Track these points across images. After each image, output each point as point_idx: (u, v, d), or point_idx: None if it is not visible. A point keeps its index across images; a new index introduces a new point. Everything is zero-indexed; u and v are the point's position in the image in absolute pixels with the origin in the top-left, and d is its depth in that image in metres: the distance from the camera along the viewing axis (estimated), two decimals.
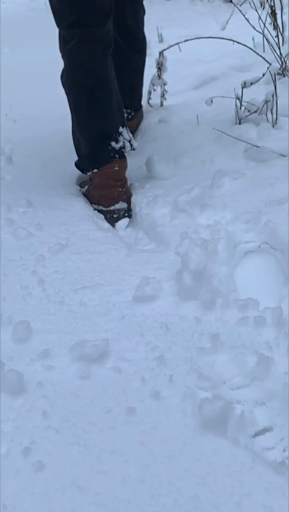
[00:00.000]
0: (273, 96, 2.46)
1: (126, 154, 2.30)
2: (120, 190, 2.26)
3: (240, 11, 3.09)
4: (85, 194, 2.39)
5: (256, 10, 2.91)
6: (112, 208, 2.25)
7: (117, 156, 2.25)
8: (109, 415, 1.39)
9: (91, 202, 2.32)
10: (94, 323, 1.67)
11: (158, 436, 1.33)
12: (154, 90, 3.01)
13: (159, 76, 2.95)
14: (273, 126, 2.45)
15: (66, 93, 2.31)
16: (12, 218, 2.17)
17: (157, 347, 1.56)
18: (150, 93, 3.04)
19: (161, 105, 3.02)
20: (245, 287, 1.74)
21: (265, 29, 2.85)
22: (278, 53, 2.84)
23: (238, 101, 2.55)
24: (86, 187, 2.40)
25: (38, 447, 1.32)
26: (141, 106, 2.89)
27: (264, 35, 2.90)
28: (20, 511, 1.21)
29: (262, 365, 1.42)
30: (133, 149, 2.33)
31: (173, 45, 2.93)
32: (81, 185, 2.46)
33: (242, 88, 2.56)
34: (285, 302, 1.63)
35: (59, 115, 2.64)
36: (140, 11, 2.66)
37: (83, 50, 2.19)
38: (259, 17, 2.83)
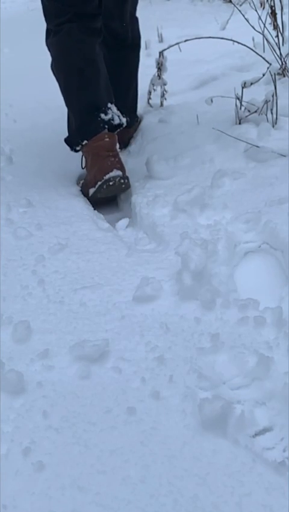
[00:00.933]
0: (273, 96, 2.46)
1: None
2: (113, 159, 2.27)
3: (240, 11, 3.09)
4: (82, 188, 2.38)
5: (256, 10, 2.91)
6: (107, 176, 2.24)
7: (106, 127, 2.28)
8: (109, 415, 1.39)
9: (89, 188, 2.30)
10: (94, 323, 1.67)
11: (158, 436, 1.33)
12: (154, 90, 3.01)
13: (159, 76, 2.94)
14: (273, 126, 2.45)
15: (56, 79, 2.37)
16: (12, 218, 2.17)
17: (157, 347, 1.55)
18: (150, 93, 3.03)
19: (161, 105, 3.02)
20: (245, 287, 1.74)
21: (265, 29, 2.85)
22: (278, 53, 2.84)
23: (238, 101, 2.55)
24: (81, 182, 2.40)
25: (38, 447, 1.32)
26: (135, 123, 2.81)
27: (263, 35, 2.90)
28: (20, 511, 1.21)
29: (262, 365, 1.42)
30: (122, 124, 2.35)
31: (173, 45, 2.93)
32: None
33: (242, 88, 2.56)
34: (285, 302, 1.63)
35: (59, 115, 2.64)
36: (126, 12, 2.61)
37: (72, 36, 2.28)
38: (259, 17, 2.83)
